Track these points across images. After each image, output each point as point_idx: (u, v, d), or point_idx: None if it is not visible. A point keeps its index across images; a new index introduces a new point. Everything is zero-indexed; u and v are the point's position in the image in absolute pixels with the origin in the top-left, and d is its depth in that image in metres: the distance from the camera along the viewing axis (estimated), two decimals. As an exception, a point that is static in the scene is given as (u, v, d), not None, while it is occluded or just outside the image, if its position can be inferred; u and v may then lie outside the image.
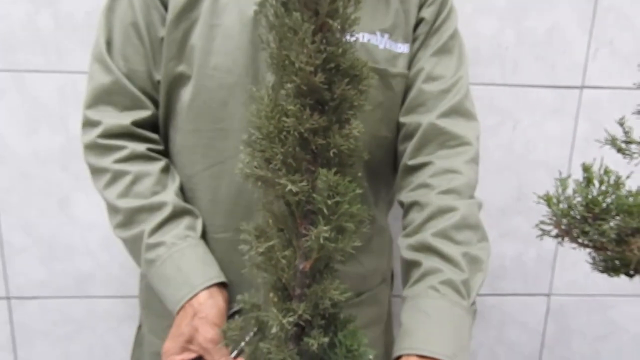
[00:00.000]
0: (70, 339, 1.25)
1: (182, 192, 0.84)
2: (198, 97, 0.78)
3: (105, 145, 0.79)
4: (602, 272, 0.75)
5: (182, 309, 0.75)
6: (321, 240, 0.54)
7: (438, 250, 0.74)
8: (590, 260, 0.76)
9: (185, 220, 0.79)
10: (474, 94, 1.14)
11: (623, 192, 0.64)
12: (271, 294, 0.60)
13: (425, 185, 0.80)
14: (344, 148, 0.55)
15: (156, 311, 0.89)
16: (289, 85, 0.53)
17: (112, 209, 0.80)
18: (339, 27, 0.52)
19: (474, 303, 0.73)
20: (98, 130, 0.79)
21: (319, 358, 0.60)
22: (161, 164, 0.82)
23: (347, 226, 0.55)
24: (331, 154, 0.55)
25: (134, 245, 0.80)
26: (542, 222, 0.70)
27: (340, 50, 0.53)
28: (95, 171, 0.81)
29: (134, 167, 0.79)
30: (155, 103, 0.82)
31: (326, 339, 0.57)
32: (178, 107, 0.81)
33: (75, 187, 1.15)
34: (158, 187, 0.80)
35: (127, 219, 0.79)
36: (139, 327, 0.99)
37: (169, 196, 0.79)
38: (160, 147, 0.84)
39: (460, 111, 0.82)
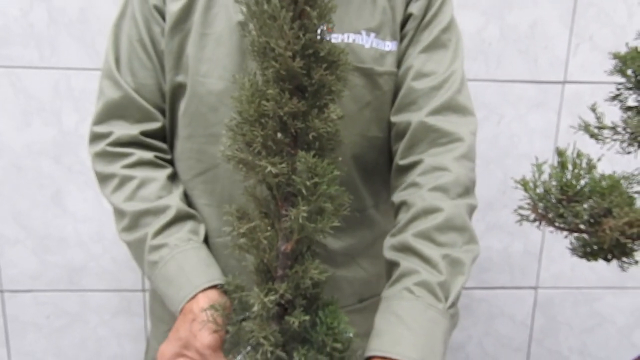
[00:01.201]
0: (63, 331, 1.26)
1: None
2: (191, 104, 0.80)
3: (113, 152, 0.82)
4: (581, 257, 0.76)
5: (182, 312, 0.74)
6: (300, 221, 0.56)
7: (417, 251, 0.72)
8: (570, 246, 0.78)
9: (189, 224, 0.81)
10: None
11: (596, 175, 0.67)
12: (254, 276, 0.62)
13: (413, 184, 0.78)
14: (323, 131, 0.57)
15: (157, 316, 0.91)
16: (269, 71, 0.55)
17: (119, 214, 0.82)
18: (316, 15, 0.54)
19: (452, 306, 0.70)
20: (108, 140, 0.82)
21: (300, 337, 0.62)
22: (168, 171, 0.84)
23: (325, 207, 0.57)
24: (310, 137, 0.57)
25: (137, 249, 0.81)
26: (520, 208, 0.72)
27: (318, 37, 0.55)
28: (103, 178, 0.83)
29: (141, 173, 0.81)
30: (164, 114, 0.85)
31: (307, 317, 0.59)
32: (178, 115, 0.83)
33: (68, 180, 1.17)
34: (163, 191, 0.81)
35: (132, 222, 0.80)
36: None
37: (174, 200, 0.81)
38: (168, 157, 0.86)
39: (452, 107, 0.79)
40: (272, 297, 0.59)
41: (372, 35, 0.79)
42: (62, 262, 1.22)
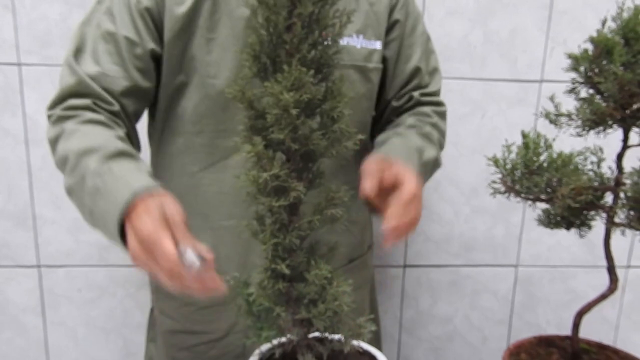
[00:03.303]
0: (93, 303, 1.38)
1: (158, 168, 0.92)
2: (201, 103, 0.86)
3: (64, 115, 0.81)
4: (546, 226, 0.91)
5: (138, 205, 0.66)
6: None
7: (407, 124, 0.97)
8: (537, 218, 0.92)
9: (135, 159, 0.77)
10: (448, 87, 1.32)
11: (553, 153, 0.81)
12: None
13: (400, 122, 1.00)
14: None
15: (165, 293, 0.94)
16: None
17: (62, 161, 0.78)
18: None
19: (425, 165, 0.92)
20: (61, 106, 0.82)
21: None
22: (120, 131, 0.82)
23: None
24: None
25: (79, 191, 0.74)
26: (493, 182, 0.87)
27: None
28: (54, 141, 0.81)
29: (90, 129, 0.79)
30: (121, 106, 0.85)
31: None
32: (179, 113, 0.88)
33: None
34: (112, 138, 0.79)
35: (75, 161, 0.75)
36: (152, 310, 1.08)
37: (120, 143, 0.77)
38: (120, 121, 0.84)
39: (438, 92, 1.04)
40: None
41: (361, 36, 0.93)
42: (93, 241, 1.33)
